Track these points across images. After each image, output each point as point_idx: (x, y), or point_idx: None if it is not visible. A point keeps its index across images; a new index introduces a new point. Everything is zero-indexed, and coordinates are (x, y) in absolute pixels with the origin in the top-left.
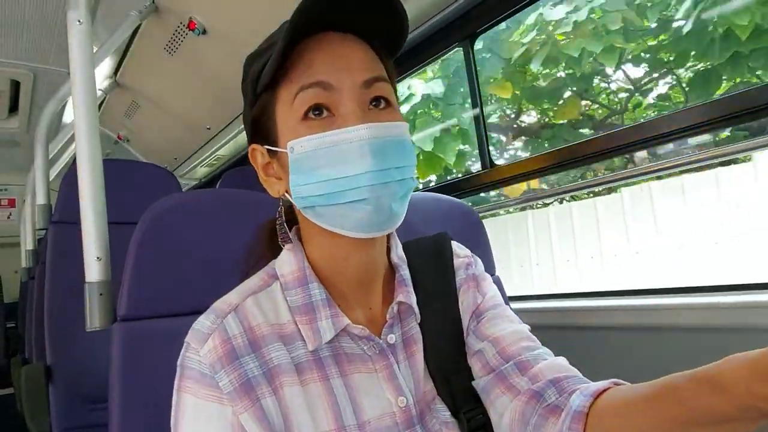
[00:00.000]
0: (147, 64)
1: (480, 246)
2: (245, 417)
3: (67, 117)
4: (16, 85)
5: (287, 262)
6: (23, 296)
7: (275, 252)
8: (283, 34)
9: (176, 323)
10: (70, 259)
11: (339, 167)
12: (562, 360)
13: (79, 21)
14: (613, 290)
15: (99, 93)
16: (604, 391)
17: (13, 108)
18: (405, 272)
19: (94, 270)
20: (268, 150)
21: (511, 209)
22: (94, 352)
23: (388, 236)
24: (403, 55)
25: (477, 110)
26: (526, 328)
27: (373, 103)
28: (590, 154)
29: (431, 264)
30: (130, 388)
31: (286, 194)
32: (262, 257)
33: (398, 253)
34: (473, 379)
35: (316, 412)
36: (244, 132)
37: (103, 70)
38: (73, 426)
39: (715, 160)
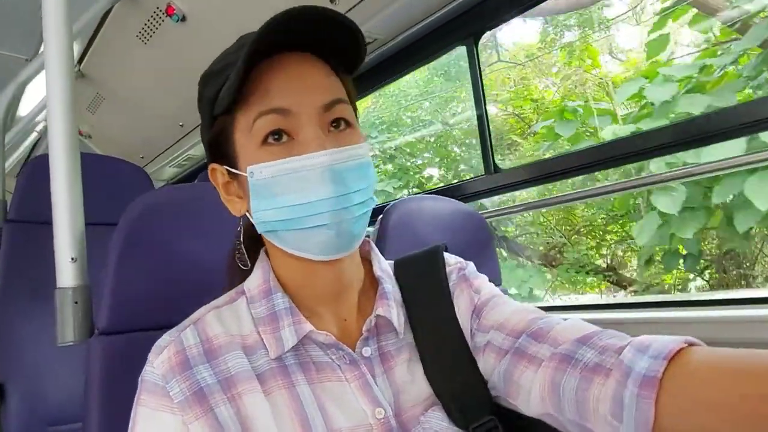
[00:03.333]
0: (116, 53)
1: (486, 251)
2: (196, 426)
3: (23, 108)
4: None
5: (254, 277)
6: None
7: (245, 273)
8: (239, 59)
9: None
10: (27, 262)
11: (300, 193)
12: (580, 321)
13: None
14: (625, 302)
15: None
16: (678, 352)
17: None
18: (388, 286)
19: (68, 273)
20: (228, 171)
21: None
22: (54, 367)
23: (365, 250)
24: (404, 51)
25: (480, 111)
26: (532, 306)
27: (334, 124)
28: (600, 161)
29: (424, 280)
30: (109, 409)
31: (248, 214)
32: (237, 275)
33: (381, 267)
34: (485, 390)
35: (282, 420)
36: None
37: (72, 57)
38: None
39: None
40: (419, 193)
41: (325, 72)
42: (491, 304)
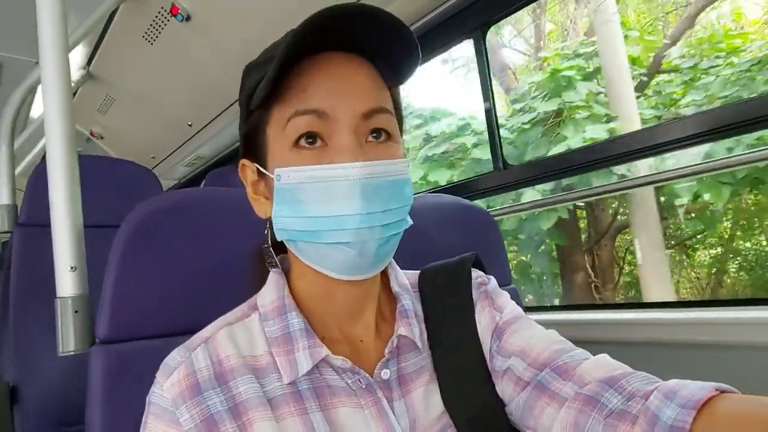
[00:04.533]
0: (124, 54)
1: (495, 250)
2: None
3: (35, 111)
4: None
5: (268, 291)
6: None
7: (265, 276)
8: (278, 53)
9: (166, 345)
10: (38, 266)
11: (324, 205)
12: (606, 357)
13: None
14: (638, 302)
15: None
16: (708, 401)
17: None
18: (408, 303)
19: (67, 282)
20: (258, 169)
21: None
22: (66, 371)
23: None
24: None
25: (488, 106)
26: (555, 333)
27: (373, 135)
28: (611, 156)
29: (449, 294)
30: (110, 419)
31: (272, 217)
32: (259, 280)
33: (399, 282)
34: (503, 414)
35: None
36: (227, 130)
37: (75, 60)
38: None
39: None
40: (428, 191)
41: (372, 77)
42: (514, 327)
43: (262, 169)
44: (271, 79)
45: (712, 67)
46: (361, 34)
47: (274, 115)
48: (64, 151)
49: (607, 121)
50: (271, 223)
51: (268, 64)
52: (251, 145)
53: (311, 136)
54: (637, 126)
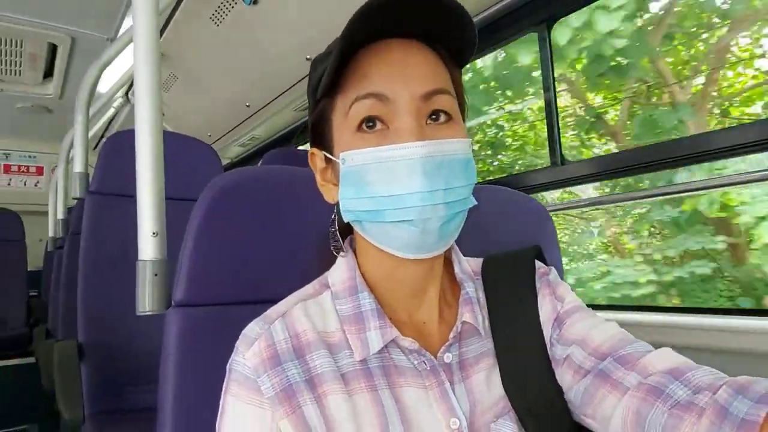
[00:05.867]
0: (190, 34)
1: (549, 246)
2: (284, 423)
3: (102, 86)
4: (52, 49)
5: (339, 271)
6: (48, 266)
7: (333, 257)
8: (337, 44)
9: (235, 312)
10: (107, 232)
11: (387, 185)
12: (670, 351)
13: None
14: (697, 308)
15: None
16: None
17: (48, 73)
18: (471, 289)
19: (149, 247)
20: (325, 156)
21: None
22: (130, 332)
23: (449, 250)
24: None
25: (549, 97)
26: (615, 324)
27: (433, 117)
28: (680, 157)
29: (512, 282)
30: (184, 379)
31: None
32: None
33: (463, 268)
34: (564, 404)
35: (363, 422)
36: (283, 113)
37: (158, 37)
38: (105, 409)
39: None
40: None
41: (430, 60)
42: (575, 317)
43: (329, 156)
44: (333, 68)
45: None
46: (417, 19)
47: (337, 103)
48: (152, 126)
49: None
50: (338, 208)
51: (329, 58)
52: (319, 134)
53: (372, 120)
54: None
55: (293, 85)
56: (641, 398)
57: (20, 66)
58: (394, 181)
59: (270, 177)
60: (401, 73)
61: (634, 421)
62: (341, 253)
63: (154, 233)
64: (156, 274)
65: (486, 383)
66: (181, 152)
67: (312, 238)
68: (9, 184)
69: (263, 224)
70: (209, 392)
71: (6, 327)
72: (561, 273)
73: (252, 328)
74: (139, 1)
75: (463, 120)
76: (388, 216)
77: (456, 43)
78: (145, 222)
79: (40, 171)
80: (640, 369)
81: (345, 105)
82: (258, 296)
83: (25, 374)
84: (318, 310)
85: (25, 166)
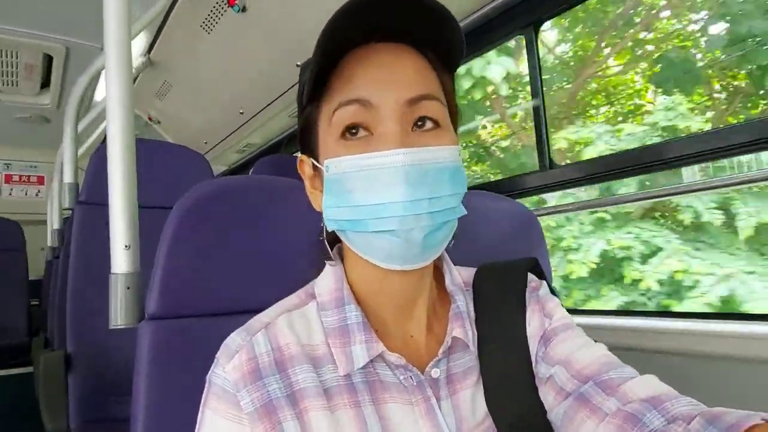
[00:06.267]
0: (182, 42)
1: (537, 252)
2: None
3: (98, 95)
4: (48, 60)
5: (326, 281)
6: (48, 274)
7: (321, 265)
8: (318, 48)
9: (210, 324)
10: (95, 242)
11: (369, 193)
12: (654, 378)
13: None
14: (688, 312)
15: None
16: (750, 429)
17: (45, 84)
18: (462, 303)
19: (121, 260)
20: (313, 163)
21: None
22: (117, 342)
23: (440, 260)
24: None
25: (537, 103)
26: (603, 347)
27: (419, 123)
28: (669, 159)
29: (504, 295)
30: (155, 392)
31: None
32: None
33: (454, 280)
34: (546, 423)
35: None
36: (276, 119)
37: (137, 47)
38: (92, 418)
39: None
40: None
41: (419, 65)
42: (561, 336)
43: (316, 163)
44: (314, 71)
45: None
46: (400, 17)
47: (323, 109)
48: (124, 135)
49: None
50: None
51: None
52: (306, 140)
53: (355, 127)
54: None
55: (285, 92)
56: (618, 425)
57: (17, 77)
58: (376, 189)
59: (250, 186)
60: (387, 78)
61: None
62: (329, 262)
63: (126, 246)
64: (128, 287)
65: (472, 400)
66: (168, 161)
67: (293, 248)
68: (10, 194)
69: (238, 234)
70: (183, 405)
71: (6, 336)
72: (549, 277)
73: (234, 339)
74: (110, 11)
75: (455, 127)
76: (370, 226)
77: (444, 45)
78: (117, 235)
79: (41, 180)
80: (620, 395)
81: (329, 111)
82: (233, 307)
83: (24, 384)
84: (303, 322)
85: (26, 175)
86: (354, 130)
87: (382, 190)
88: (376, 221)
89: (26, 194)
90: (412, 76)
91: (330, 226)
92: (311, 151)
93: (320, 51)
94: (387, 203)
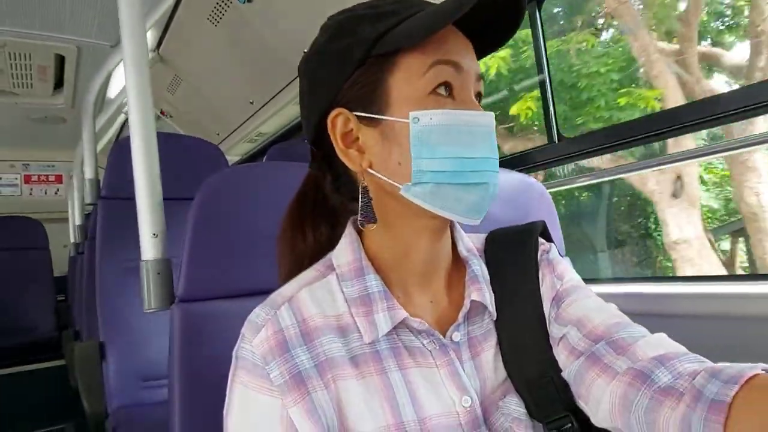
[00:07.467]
0: (190, 36)
1: (549, 224)
2: (294, 410)
3: (111, 92)
4: (60, 60)
5: (344, 252)
6: (72, 270)
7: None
8: (443, 5)
9: (236, 304)
10: (120, 234)
11: (468, 147)
12: (664, 336)
13: None
14: (701, 275)
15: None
16: (751, 378)
17: (58, 84)
18: (477, 267)
19: (150, 248)
20: (360, 117)
21: None
22: (147, 329)
23: (452, 227)
24: None
25: (543, 77)
26: (614, 306)
27: (476, 96)
28: (677, 126)
29: (515, 258)
30: (189, 370)
31: (370, 170)
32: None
33: (466, 245)
34: (561, 381)
35: (374, 405)
36: (286, 108)
37: (147, 43)
38: (128, 403)
39: None
40: None
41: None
42: (573, 296)
43: (375, 116)
44: (429, 27)
45: None
46: (488, 13)
47: (403, 63)
48: (145, 130)
49: None
50: (363, 176)
51: (394, 16)
52: (355, 93)
53: (447, 85)
54: None
55: (293, 80)
56: (628, 383)
57: (31, 79)
58: (475, 144)
59: (266, 173)
60: (469, 51)
61: (621, 405)
62: (369, 225)
63: (154, 234)
64: (158, 273)
65: (494, 361)
66: (185, 152)
67: None
68: (31, 194)
69: (257, 218)
70: (215, 382)
71: (36, 332)
72: (561, 250)
73: (258, 314)
74: (125, 9)
75: None
76: (464, 177)
77: (489, 47)
78: (144, 224)
79: (59, 179)
80: (630, 354)
81: (422, 66)
82: (257, 288)
83: (57, 376)
84: (324, 293)
85: (44, 175)
86: (447, 89)
87: (479, 145)
88: (474, 173)
89: (45, 193)
90: (474, 56)
91: (416, 179)
92: (363, 104)
93: (450, 9)
94: (482, 158)
